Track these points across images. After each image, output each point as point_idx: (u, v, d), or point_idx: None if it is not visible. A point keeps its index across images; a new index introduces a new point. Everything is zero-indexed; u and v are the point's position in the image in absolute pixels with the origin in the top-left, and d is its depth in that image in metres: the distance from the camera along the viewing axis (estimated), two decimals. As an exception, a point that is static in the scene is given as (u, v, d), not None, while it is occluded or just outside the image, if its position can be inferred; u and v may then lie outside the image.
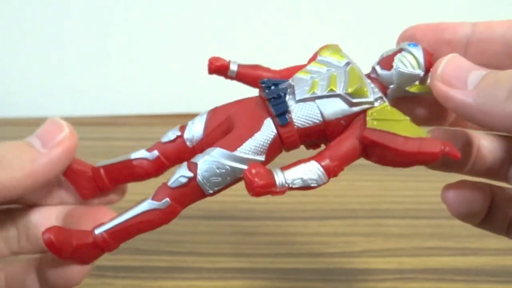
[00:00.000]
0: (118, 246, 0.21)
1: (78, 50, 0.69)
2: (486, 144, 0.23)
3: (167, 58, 0.69)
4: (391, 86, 0.21)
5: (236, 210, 0.41)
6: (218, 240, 0.38)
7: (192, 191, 0.20)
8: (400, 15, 0.66)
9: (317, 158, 0.19)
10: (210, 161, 0.20)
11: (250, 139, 0.20)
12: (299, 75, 0.21)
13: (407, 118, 0.19)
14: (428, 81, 0.21)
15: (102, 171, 0.22)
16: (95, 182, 0.22)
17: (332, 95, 0.20)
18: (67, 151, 0.21)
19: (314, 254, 0.37)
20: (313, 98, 0.20)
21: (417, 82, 0.21)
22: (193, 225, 0.40)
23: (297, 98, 0.20)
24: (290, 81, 0.21)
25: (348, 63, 0.21)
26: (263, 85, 0.21)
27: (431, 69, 0.20)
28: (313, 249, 0.37)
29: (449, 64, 0.19)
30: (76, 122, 0.77)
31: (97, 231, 0.21)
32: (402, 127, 0.19)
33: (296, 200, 0.43)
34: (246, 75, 0.23)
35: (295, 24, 0.66)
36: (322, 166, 0.19)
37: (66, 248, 0.20)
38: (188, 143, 0.22)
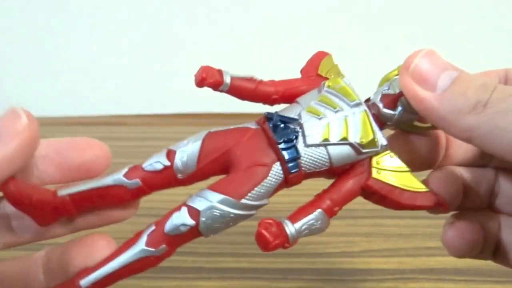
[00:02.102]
0: None
1: (78, 50, 0.69)
2: (470, 180, 0.23)
3: (167, 58, 0.69)
4: (389, 123, 0.21)
5: (236, 210, 0.41)
6: (218, 240, 0.38)
7: (191, 236, 0.19)
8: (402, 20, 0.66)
9: (320, 203, 0.20)
10: (214, 209, 0.19)
11: (257, 187, 0.19)
12: (310, 112, 0.20)
13: (407, 169, 0.20)
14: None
15: (67, 198, 0.19)
16: (57, 211, 0.20)
17: (343, 143, 0.19)
18: (25, 143, 0.18)
19: (314, 254, 0.37)
20: (325, 145, 0.19)
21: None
22: (193, 225, 0.40)
23: (308, 142, 0.19)
24: (298, 117, 0.20)
25: (357, 104, 0.20)
26: (270, 120, 0.19)
27: (404, 62, 0.19)
28: (313, 249, 0.37)
29: (423, 61, 0.19)
30: (76, 122, 0.77)
31: (83, 284, 0.19)
32: (403, 180, 0.20)
33: (296, 200, 0.42)
34: (239, 89, 0.21)
35: (296, 21, 0.66)
36: (325, 211, 0.19)
37: None
38: (178, 175, 0.20)
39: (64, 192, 0.19)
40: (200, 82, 0.21)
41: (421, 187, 0.20)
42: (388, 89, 0.20)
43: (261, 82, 0.21)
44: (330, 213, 0.19)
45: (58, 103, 0.70)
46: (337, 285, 0.34)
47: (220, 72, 0.21)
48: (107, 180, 0.19)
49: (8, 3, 0.67)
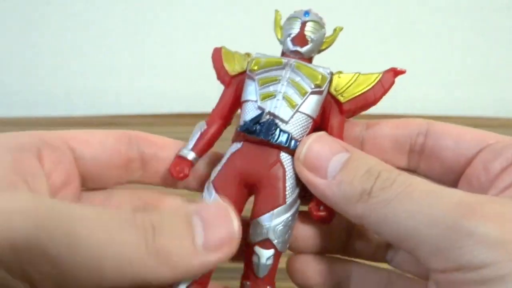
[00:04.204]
0: None
1: (78, 50, 0.69)
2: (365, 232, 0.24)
3: (167, 58, 0.69)
4: (313, 54, 0.23)
5: (236, 210, 0.41)
6: (218, 240, 0.38)
7: (277, 261, 0.21)
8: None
9: None
10: (276, 226, 0.20)
11: (286, 183, 0.21)
12: (265, 99, 0.22)
13: (357, 73, 0.22)
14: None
15: None
16: None
17: (307, 96, 0.21)
18: (224, 257, 0.17)
19: (314, 254, 0.36)
20: (296, 110, 0.21)
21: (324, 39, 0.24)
22: (193, 225, 0.40)
23: (286, 119, 0.21)
24: (261, 110, 0.22)
25: (286, 63, 0.22)
26: (247, 130, 0.21)
27: (295, 152, 0.21)
28: (313, 249, 0.37)
29: (311, 148, 0.20)
30: (76, 122, 0.77)
31: None
32: (362, 84, 0.22)
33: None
34: (203, 148, 0.23)
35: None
36: None
37: None
38: None
39: None
40: (181, 178, 0.23)
41: (377, 75, 0.22)
42: (291, 33, 0.23)
43: (208, 126, 0.23)
44: None
45: (58, 103, 0.70)
46: (337, 285, 0.34)
47: (181, 158, 0.23)
48: None
49: (8, 3, 0.67)
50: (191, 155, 0.23)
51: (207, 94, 0.72)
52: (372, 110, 0.23)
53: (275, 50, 0.25)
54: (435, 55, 0.68)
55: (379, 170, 0.18)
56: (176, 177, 0.22)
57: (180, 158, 0.23)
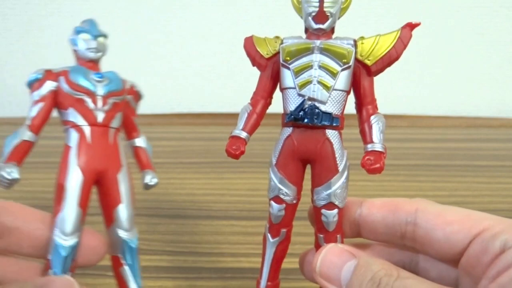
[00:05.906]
0: None
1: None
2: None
3: (167, 58, 0.69)
4: (334, 25, 0.25)
5: (236, 210, 0.41)
6: (218, 240, 0.38)
7: (341, 215, 0.25)
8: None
9: (368, 113, 0.24)
10: (335, 191, 0.24)
11: (336, 153, 0.24)
12: (303, 86, 0.24)
13: (378, 35, 0.24)
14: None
15: None
16: None
17: (338, 75, 0.24)
18: None
19: (314, 254, 0.37)
20: (332, 89, 0.24)
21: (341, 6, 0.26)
22: (193, 225, 0.40)
23: (324, 100, 0.24)
24: (303, 97, 0.24)
25: (313, 46, 0.24)
26: (294, 119, 0.24)
27: (312, 263, 0.23)
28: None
29: (325, 261, 0.22)
30: (76, 122, 0.75)
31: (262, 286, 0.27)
32: (383, 44, 0.24)
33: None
34: (254, 127, 0.26)
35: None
36: (374, 111, 0.24)
37: None
38: (294, 201, 0.25)
39: None
40: (238, 155, 0.25)
41: (396, 32, 0.24)
42: (311, 11, 0.25)
43: (253, 106, 0.26)
44: (376, 108, 0.24)
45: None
46: (337, 285, 0.34)
47: (235, 137, 0.25)
48: (268, 250, 0.27)
49: (11, 2, 0.67)
50: (243, 134, 0.25)
51: (207, 95, 0.72)
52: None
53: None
54: (434, 55, 0.68)
55: (380, 276, 0.20)
56: (233, 154, 0.25)
57: (234, 138, 0.25)
